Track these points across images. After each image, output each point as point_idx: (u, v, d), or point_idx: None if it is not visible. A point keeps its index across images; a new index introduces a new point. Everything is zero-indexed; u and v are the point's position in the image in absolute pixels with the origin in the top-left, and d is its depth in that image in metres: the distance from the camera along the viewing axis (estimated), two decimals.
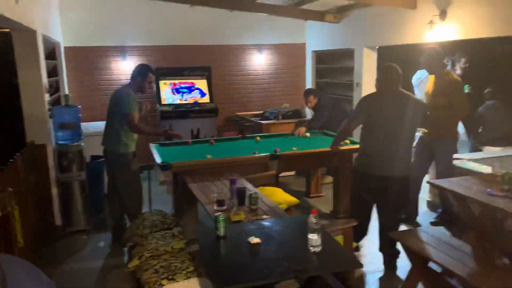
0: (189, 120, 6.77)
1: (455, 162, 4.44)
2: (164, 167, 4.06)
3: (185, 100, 7.04)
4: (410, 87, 5.47)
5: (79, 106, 5.09)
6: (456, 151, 4.63)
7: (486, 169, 4.05)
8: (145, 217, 3.80)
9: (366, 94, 6.40)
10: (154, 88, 6.95)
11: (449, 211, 4.60)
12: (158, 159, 4.27)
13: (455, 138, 4.57)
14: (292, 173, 6.70)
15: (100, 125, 5.03)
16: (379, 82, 3.76)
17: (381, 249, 3.85)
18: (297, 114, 7.12)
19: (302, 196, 5.71)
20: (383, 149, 3.60)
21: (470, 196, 3.19)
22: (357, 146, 4.31)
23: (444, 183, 3.55)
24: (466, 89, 6.82)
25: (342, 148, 4.62)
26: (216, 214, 2.52)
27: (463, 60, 6.56)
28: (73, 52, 6.89)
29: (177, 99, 6.98)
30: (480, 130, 6.08)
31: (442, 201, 4.74)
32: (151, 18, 7.18)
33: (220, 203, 3.04)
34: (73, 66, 6.92)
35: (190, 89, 7.13)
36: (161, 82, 6.99)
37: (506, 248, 3.60)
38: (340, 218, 4.78)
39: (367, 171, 3.66)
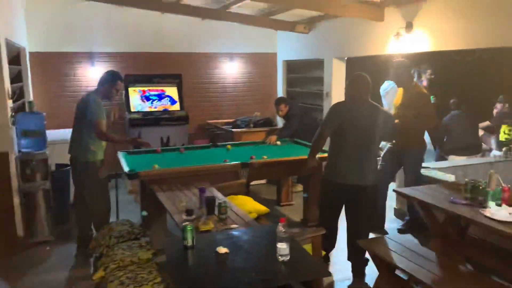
0: (158, 127, 6.68)
1: (421, 171, 4.55)
2: (131, 175, 3.98)
3: (155, 108, 6.95)
4: (378, 97, 5.59)
5: (44, 113, 4.94)
6: (423, 160, 4.75)
7: (450, 178, 4.17)
8: (112, 227, 3.70)
9: (335, 102, 6.54)
10: (123, 96, 6.84)
11: (416, 218, 4.70)
12: (125, 168, 4.19)
13: (423, 147, 4.69)
14: (263, 181, 6.71)
15: (67, 133, 4.89)
16: (348, 90, 3.79)
17: (350, 257, 3.88)
18: (269, 122, 7.15)
19: (272, 204, 5.71)
20: (353, 158, 3.62)
21: (434, 204, 3.26)
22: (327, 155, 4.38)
23: (409, 191, 3.63)
24: (432, 99, 7.05)
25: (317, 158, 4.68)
26: (184, 223, 2.48)
27: (429, 71, 6.78)
28: (39, 58, 6.71)
29: (146, 107, 6.89)
30: (445, 140, 6.27)
31: (409, 209, 4.85)
32: (121, 24, 7.08)
33: (188, 212, 3.00)
34: (39, 72, 6.73)
35: (160, 96, 7.05)
36: (130, 89, 6.88)
37: (469, 255, 3.70)
38: (310, 226, 4.80)
39: (337, 180, 3.68)
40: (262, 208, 3.97)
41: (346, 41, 6.28)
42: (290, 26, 7.14)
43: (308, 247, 3.03)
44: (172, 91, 7.17)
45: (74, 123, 4.19)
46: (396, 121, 4.26)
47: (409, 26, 4.92)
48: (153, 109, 6.91)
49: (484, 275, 3.20)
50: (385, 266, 3.17)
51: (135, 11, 6.68)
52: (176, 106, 7.09)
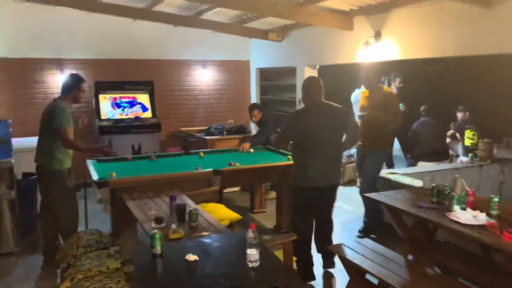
0: (130, 135, 6.59)
1: (390, 176, 4.63)
2: (100, 184, 3.91)
3: (126, 115, 6.85)
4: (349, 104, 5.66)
5: (10, 121, 4.80)
6: (382, 164, 4.86)
7: (418, 183, 4.26)
8: (80, 236, 3.62)
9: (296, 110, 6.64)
10: (93, 103, 6.73)
11: (375, 220, 4.79)
12: (94, 176, 4.11)
13: (386, 149, 4.83)
14: (237, 189, 6.70)
15: (33, 141, 4.76)
16: (305, 96, 3.78)
17: (318, 250, 4.04)
18: (242, 130, 7.15)
19: (246, 212, 5.70)
20: (319, 161, 3.66)
21: (403, 209, 3.33)
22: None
23: (378, 196, 3.69)
24: (401, 107, 7.21)
25: (283, 163, 4.74)
26: (152, 231, 2.45)
27: (398, 79, 6.93)
28: (5, 64, 6.53)
29: (117, 114, 6.79)
30: (414, 146, 6.42)
31: (366, 210, 4.91)
32: (91, 30, 6.97)
33: (158, 220, 2.96)
34: (5, 78, 6.55)
35: (132, 103, 6.97)
36: (101, 96, 6.77)
37: (437, 258, 3.78)
38: (283, 233, 4.82)
39: (307, 184, 3.71)
40: (234, 215, 3.95)
41: (318, 50, 6.38)
42: (263, 34, 7.19)
43: (279, 253, 3.04)
44: (144, 98, 7.09)
45: (40, 131, 4.10)
46: (358, 120, 4.42)
47: (377, 35, 5.05)
48: (124, 117, 6.82)
49: (451, 278, 3.28)
50: (355, 271, 3.21)
51: (106, 17, 6.60)
52: (148, 114, 7.02)
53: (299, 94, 6.80)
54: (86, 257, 3.16)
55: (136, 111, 6.96)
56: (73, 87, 4.09)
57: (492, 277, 3.22)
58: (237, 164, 4.70)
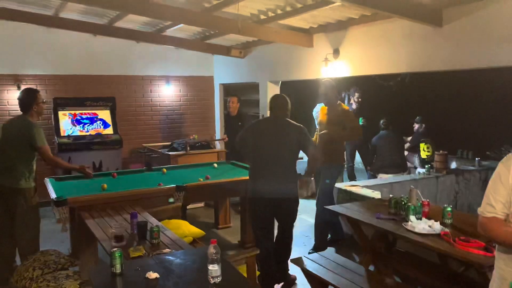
0: (90, 152, 6.45)
1: (350, 189, 4.74)
2: (59, 202, 3.79)
3: (87, 132, 6.71)
4: (310, 119, 5.78)
5: None
6: (336, 178, 4.99)
7: (377, 195, 4.39)
8: (37, 257, 3.48)
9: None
10: (52, 120, 6.56)
11: (336, 234, 4.91)
12: (53, 194, 3.99)
13: (341, 164, 4.95)
14: (201, 204, 6.65)
15: None
16: (269, 110, 3.95)
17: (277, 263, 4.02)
18: (206, 145, 7.13)
19: (210, 227, 5.67)
20: (265, 173, 3.77)
21: (362, 220, 3.41)
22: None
23: (338, 208, 3.77)
24: (361, 121, 7.43)
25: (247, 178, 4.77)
26: (111, 250, 2.40)
27: (357, 94, 7.15)
28: None
29: (77, 131, 6.64)
30: (374, 159, 6.61)
31: (325, 225, 4.98)
32: (50, 45, 6.83)
33: (118, 238, 2.91)
34: None
35: (92, 120, 6.83)
36: (60, 113, 6.60)
37: (397, 267, 3.88)
38: (248, 248, 4.81)
39: (253, 195, 3.84)
40: (198, 232, 3.93)
41: (279, 66, 6.50)
42: (225, 50, 7.27)
43: (242, 269, 3.04)
44: (105, 114, 6.97)
45: (2, 149, 3.95)
46: (315, 138, 4.55)
47: (336, 52, 5.21)
48: (84, 133, 6.67)
49: (410, 287, 3.38)
50: (318, 283, 3.25)
51: (66, 32, 6.49)
52: (110, 130, 6.90)
53: (262, 110, 6.89)
54: (42, 279, 3.04)
55: (97, 127, 6.83)
56: (30, 101, 3.99)
57: (449, 284, 3.34)
58: (200, 179, 4.69)
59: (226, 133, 6.17)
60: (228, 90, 8.34)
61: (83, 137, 6.58)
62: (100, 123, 6.87)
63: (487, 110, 7.64)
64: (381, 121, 6.79)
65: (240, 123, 6.02)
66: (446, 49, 4.07)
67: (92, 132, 6.73)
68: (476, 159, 6.69)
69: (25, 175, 3.91)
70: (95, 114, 6.88)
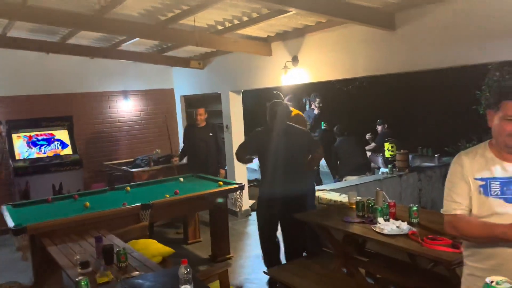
0: (49, 174, 6.19)
1: (318, 194, 4.77)
2: (17, 231, 3.59)
3: (44, 153, 6.45)
4: None
5: None
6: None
7: (345, 198, 4.43)
8: None
9: (235, 135, 6.67)
10: (5, 144, 6.26)
11: (315, 245, 4.90)
12: (10, 223, 3.78)
13: (314, 170, 5.01)
14: (168, 221, 6.50)
15: None
16: (267, 117, 4.13)
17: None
18: (170, 159, 7.00)
19: (180, 244, 5.54)
20: (273, 176, 3.98)
21: (331, 225, 3.43)
22: (232, 186, 4.90)
23: (306, 216, 3.79)
24: (323, 125, 7.54)
25: (215, 190, 4.74)
26: (77, 279, 2.29)
27: (317, 100, 7.26)
28: None
29: (34, 153, 6.36)
30: (338, 164, 6.70)
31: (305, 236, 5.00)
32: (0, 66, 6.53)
33: (83, 265, 2.78)
34: None
35: (49, 141, 6.57)
36: (14, 136, 6.31)
37: (369, 269, 3.93)
38: (219, 261, 4.75)
39: (270, 197, 3.97)
40: (167, 250, 3.83)
41: (240, 75, 6.49)
42: (184, 62, 7.19)
43: (215, 285, 2.98)
44: (62, 134, 6.72)
45: None
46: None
47: (295, 59, 5.25)
48: (42, 155, 6.40)
49: (382, 287, 3.42)
50: None
51: (15, 52, 6.23)
52: (68, 150, 6.66)
53: (226, 120, 6.85)
54: None
55: (54, 148, 6.57)
56: None
57: (419, 282, 3.40)
58: (167, 195, 4.58)
59: (191, 145, 6.05)
60: (190, 101, 8.25)
61: (41, 159, 6.32)
62: (57, 143, 6.62)
63: (443, 108, 7.95)
64: (335, 128, 6.91)
65: (211, 134, 5.96)
66: (401, 52, 4.19)
67: (50, 154, 6.47)
68: (436, 155, 6.92)
69: None
70: (52, 134, 6.63)
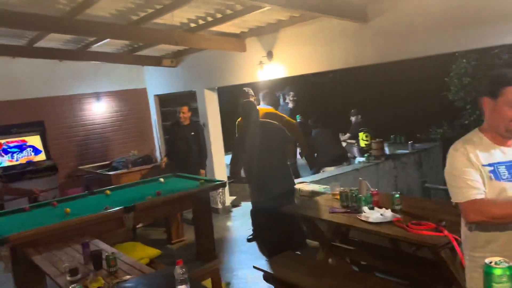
0: (23, 182, 6.03)
1: (298, 186, 4.83)
2: None
3: (16, 161, 6.28)
4: None
5: None
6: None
7: (326, 189, 4.52)
8: None
9: (213, 132, 6.65)
10: None
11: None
12: None
13: (293, 162, 5.10)
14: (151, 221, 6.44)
15: None
16: (241, 117, 4.25)
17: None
18: (148, 160, 6.94)
19: (164, 244, 5.51)
20: (259, 174, 4.06)
21: (317, 217, 3.50)
22: (214, 184, 4.85)
23: (292, 208, 3.84)
24: (298, 118, 7.62)
25: (197, 190, 4.74)
26: (71, 286, 2.26)
27: (291, 93, 7.31)
28: None
29: (5, 161, 6.18)
30: (316, 155, 6.81)
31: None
32: None
33: (73, 272, 2.74)
34: None
35: (21, 147, 6.39)
36: None
37: (354, 257, 4.03)
38: (206, 259, 4.75)
39: (259, 197, 4.11)
40: (153, 252, 3.83)
41: (215, 72, 6.47)
42: (156, 61, 7.11)
43: (208, 283, 3.00)
44: (34, 140, 6.56)
45: None
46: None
47: (269, 54, 5.28)
48: (14, 163, 6.23)
49: (368, 274, 3.52)
50: (281, 285, 3.28)
51: None
52: (41, 156, 6.51)
53: (202, 117, 6.82)
54: None
55: (27, 155, 6.41)
56: None
57: (402, 266, 3.52)
58: (149, 197, 4.54)
59: (176, 143, 5.99)
60: (164, 100, 8.17)
61: (13, 167, 6.15)
62: (30, 150, 6.46)
63: (413, 97, 8.17)
64: (309, 121, 7.01)
65: (193, 133, 5.90)
66: (374, 43, 4.28)
67: (23, 161, 6.31)
68: (409, 142, 7.12)
69: None
70: (23, 141, 6.45)
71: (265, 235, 4.28)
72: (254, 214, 4.52)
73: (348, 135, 7.50)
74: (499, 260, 1.31)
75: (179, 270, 2.19)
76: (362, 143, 7.00)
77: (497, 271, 1.30)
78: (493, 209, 1.78)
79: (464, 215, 1.88)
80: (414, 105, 8.22)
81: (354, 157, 7.36)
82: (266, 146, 4.04)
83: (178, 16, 4.80)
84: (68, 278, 2.74)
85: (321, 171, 6.57)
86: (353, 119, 7.52)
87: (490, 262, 1.32)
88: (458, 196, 1.86)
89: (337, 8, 4.15)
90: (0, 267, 4.59)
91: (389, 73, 7.12)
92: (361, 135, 6.95)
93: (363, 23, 4.27)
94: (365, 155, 6.44)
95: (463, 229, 1.99)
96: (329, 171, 6.31)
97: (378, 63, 4.51)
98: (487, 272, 1.31)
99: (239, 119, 5.08)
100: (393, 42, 4.13)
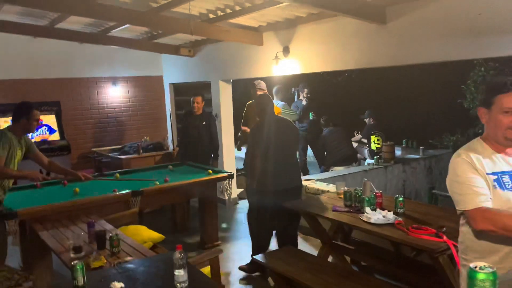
0: None
1: (305, 183, 4.86)
2: (8, 215, 3.60)
3: (31, 138, 6.37)
4: None
5: None
6: None
7: (332, 188, 4.53)
8: None
9: (225, 124, 6.70)
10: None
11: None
12: None
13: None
14: (158, 207, 6.53)
15: None
16: (257, 111, 4.22)
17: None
18: (159, 147, 7.02)
19: (169, 230, 5.58)
20: (275, 167, 4.02)
21: (319, 214, 3.52)
22: (221, 175, 4.91)
23: (295, 204, 3.87)
24: (311, 116, 7.62)
25: (204, 179, 4.79)
26: (72, 263, 2.33)
27: (306, 90, 7.32)
28: None
29: None
30: (325, 154, 6.82)
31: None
32: None
33: (76, 249, 2.82)
34: None
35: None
36: (1, 120, 6.24)
37: (354, 257, 4.05)
38: (208, 248, 4.81)
39: (267, 188, 4.00)
40: (157, 236, 3.88)
41: (230, 64, 6.50)
42: (174, 50, 7.16)
43: (206, 270, 3.05)
44: (50, 119, 6.68)
45: None
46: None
47: (286, 50, 5.29)
48: None
49: (367, 275, 3.54)
50: (281, 279, 3.32)
51: (1, 36, 6.13)
52: (56, 135, 6.62)
53: (215, 108, 6.87)
54: None
55: (42, 133, 6.53)
56: (20, 115, 3.82)
57: (402, 269, 3.53)
58: (157, 183, 4.61)
59: (187, 132, 6.03)
60: (179, 89, 8.24)
61: None
62: (45, 128, 6.58)
63: (428, 102, 8.10)
64: (321, 119, 7.02)
65: (204, 123, 5.94)
66: (391, 45, 4.26)
67: (37, 139, 6.43)
68: (421, 148, 7.07)
69: None
70: (40, 119, 6.56)
71: (258, 229, 4.25)
72: (255, 209, 4.46)
73: (360, 136, 7.48)
74: (484, 265, 1.33)
75: (178, 255, 2.23)
76: (373, 146, 6.97)
77: (481, 276, 1.32)
78: (505, 219, 1.71)
79: (473, 223, 1.80)
80: (429, 110, 8.15)
81: (364, 159, 7.34)
82: (280, 142, 4.04)
83: (197, 6, 4.84)
84: (72, 255, 2.82)
85: (330, 170, 6.58)
86: (366, 121, 7.50)
87: (475, 267, 1.33)
88: (465, 204, 1.81)
89: (356, 8, 4.14)
90: (9, 241, 4.72)
91: (405, 77, 7.08)
92: (373, 138, 6.92)
93: (381, 24, 4.25)
94: (375, 157, 6.42)
95: (462, 236, 1.97)
96: (338, 170, 6.31)
97: (394, 66, 4.49)
98: (471, 276, 1.33)
99: (249, 102, 5.17)
100: (410, 45, 4.10)
